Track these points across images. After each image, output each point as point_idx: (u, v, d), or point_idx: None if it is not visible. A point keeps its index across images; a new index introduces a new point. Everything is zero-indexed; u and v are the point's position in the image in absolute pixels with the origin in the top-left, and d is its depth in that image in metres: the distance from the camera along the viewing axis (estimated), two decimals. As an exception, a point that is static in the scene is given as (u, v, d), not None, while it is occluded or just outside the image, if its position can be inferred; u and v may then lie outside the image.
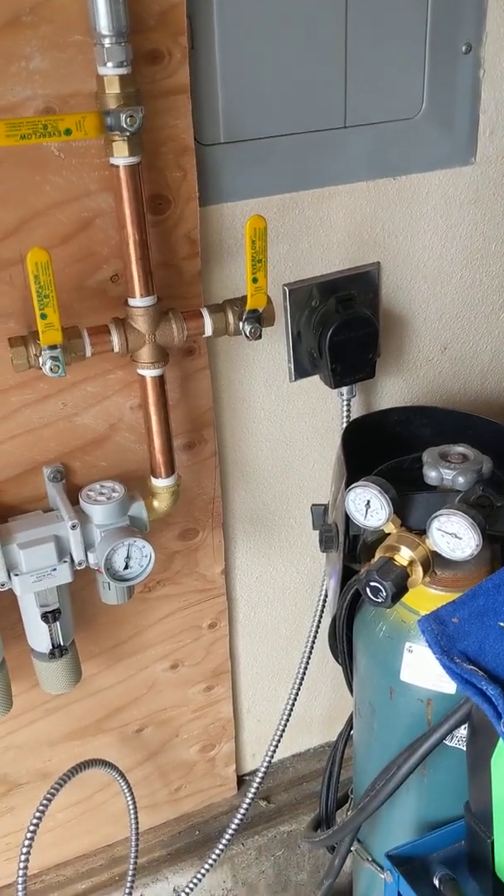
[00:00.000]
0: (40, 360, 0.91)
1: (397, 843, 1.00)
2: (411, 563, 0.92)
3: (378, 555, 0.94)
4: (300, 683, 1.32)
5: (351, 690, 1.15)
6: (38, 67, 0.88)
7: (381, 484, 0.93)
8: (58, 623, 1.03)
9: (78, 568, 1.02)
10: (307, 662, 1.31)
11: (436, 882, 0.97)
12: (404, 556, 0.92)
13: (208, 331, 1.00)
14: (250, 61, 1.00)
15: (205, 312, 0.99)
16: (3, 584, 0.98)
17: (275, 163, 1.07)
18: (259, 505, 1.27)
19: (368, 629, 1.03)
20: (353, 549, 1.04)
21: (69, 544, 1.00)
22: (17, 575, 0.98)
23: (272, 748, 1.34)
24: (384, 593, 0.90)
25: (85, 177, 0.94)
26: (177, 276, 1.03)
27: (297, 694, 1.32)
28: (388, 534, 0.95)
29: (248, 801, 1.33)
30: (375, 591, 0.90)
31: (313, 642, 1.30)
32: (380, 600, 0.90)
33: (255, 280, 0.96)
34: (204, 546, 1.22)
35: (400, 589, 0.91)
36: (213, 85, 1.00)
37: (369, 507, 0.94)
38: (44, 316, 0.87)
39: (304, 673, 1.32)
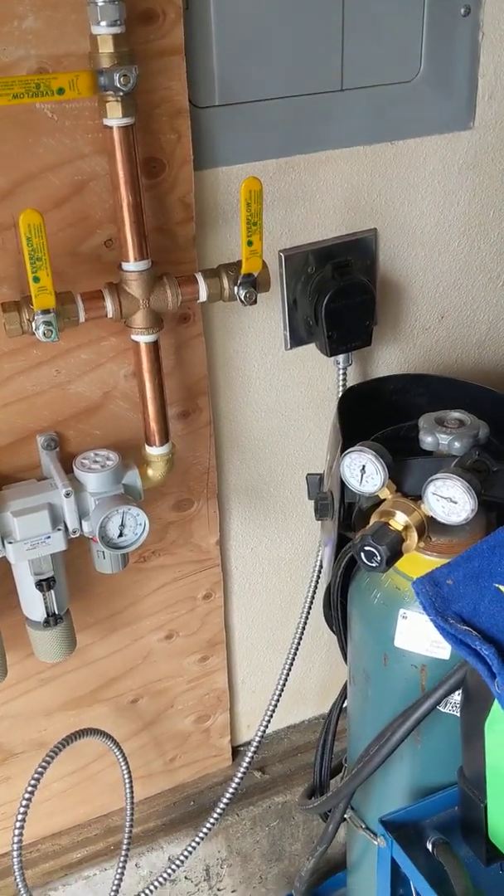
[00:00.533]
0: (33, 324, 0.90)
1: (391, 809, 1.00)
2: (406, 527, 0.91)
3: (373, 520, 0.93)
4: (295, 654, 1.32)
5: (345, 659, 1.15)
6: (32, 27, 0.87)
7: (376, 449, 0.92)
8: (52, 591, 1.02)
9: (72, 536, 1.01)
10: (302, 633, 1.31)
11: (429, 847, 0.97)
12: (399, 520, 0.92)
13: (203, 296, 0.99)
14: (246, 22, 0.99)
15: (199, 277, 0.99)
16: (-3, 551, 0.98)
17: (271, 126, 1.05)
18: (254, 475, 1.27)
19: (363, 596, 1.03)
20: (349, 517, 1.04)
21: (63, 512, 1.00)
22: (10, 543, 0.98)
23: (267, 719, 1.34)
24: (379, 557, 0.89)
25: (78, 139, 0.93)
26: (171, 241, 1.02)
27: (291, 665, 1.33)
28: (384, 500, 0.95)
29: (242, 771, 1.33)
30: (370, 555, 0.90)
31: (308, 613, 1.30)
32: (374, 565, 0.90)
33: (249, 243, 0.95)
34: (199, 516, 1.22)
35: (394, 553, 0.90)
36: (208, 46, 0.98)
37: (364, 472, 0.94)
38: (36, 279, 0.86)
39: (298, 644, 1.32)
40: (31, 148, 0.92)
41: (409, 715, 0.93)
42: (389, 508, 0.93)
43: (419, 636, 0.96)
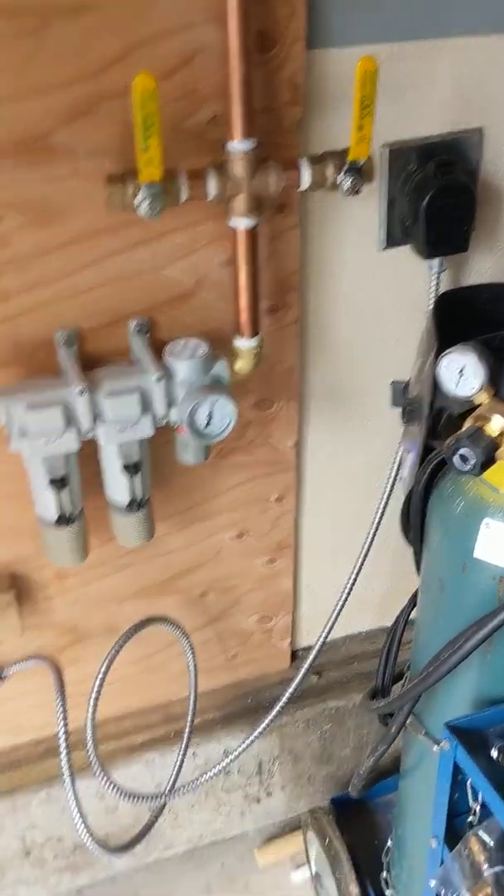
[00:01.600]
0: (136, 198, 0.88)
1: (452, 717, 1.01)
2: (502, 433, 0.90)
3: (468, 423, 0.91)
4: (361, 564, 1.32)
5: (418, 568, 1.14)
6: None
7: (478, 350, 0.90)
8: (139, 476, 1.03)
9: (159, 424, 1.01)
10: (370, 545, 1.30)
11: (494, 753, 0.98)
12: (495, 426, 0.90)
13: (305, 182, 0.96)
14: None
15: (303, 163, 0.95)
16: (88, 432, 0.98)
17: (387, 7, 1.00)
18: (336, 380, 1.25)
19: (445, 504, 1.02)
20: (436, 425, 1.02)
21: (153, 397, 0.99)
22: (102, 424, 0.98)
23: (328, 626, 1.35)
24: (473, 461, 0.88)
25: (195, 3, 0.89)
26: (276, 124, 0.98)
27: (357, 575, 1.32)
28: (479, 405, 0.93)
29: (300, 674, 1.35)
30: (464, 458, 0.88)
31: (378, 525, 1.29)
32: (467, 468, 0.89)
33: (360, 127, 0.91)
34: (278, 417, 1.21)
35: (488, 458, 0.89)
36: None
37: (462, 375, 0.92)
38: (146, 148, 0.84)
39: (365, 555, 1.31)
40: (145, 12, 0.88)
41: (484, 623, 0.92)
42: (486, 413, 0.91)
43: (501, 547, 0.95)
